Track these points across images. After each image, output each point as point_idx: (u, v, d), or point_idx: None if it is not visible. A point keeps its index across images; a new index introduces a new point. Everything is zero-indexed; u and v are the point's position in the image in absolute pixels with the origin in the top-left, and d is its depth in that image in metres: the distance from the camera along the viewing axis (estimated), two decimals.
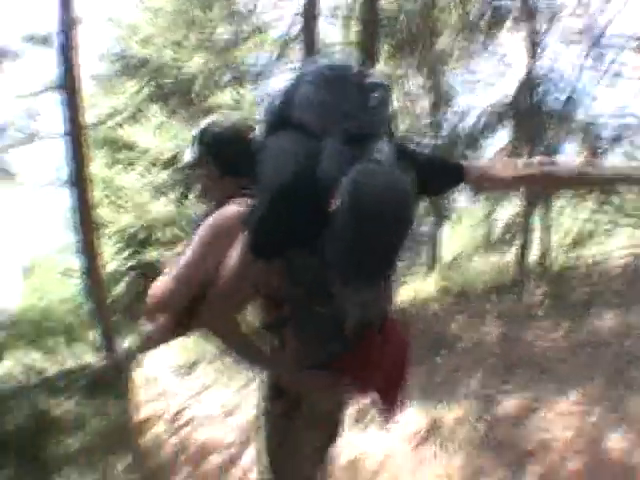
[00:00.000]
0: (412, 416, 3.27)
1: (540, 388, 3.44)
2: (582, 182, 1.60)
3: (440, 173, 1.55)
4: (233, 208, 1.49)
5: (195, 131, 1.72)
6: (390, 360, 1.57)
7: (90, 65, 10.08)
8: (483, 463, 2.60)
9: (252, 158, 1.47)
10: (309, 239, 1.27)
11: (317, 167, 1.29)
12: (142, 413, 4.65)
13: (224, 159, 1.63)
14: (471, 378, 3.81)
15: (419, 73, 7.26)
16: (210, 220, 1.48)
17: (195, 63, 7.32)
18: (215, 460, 3.57)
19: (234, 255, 1.33)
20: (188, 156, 1.73)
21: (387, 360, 1.55)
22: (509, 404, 3.24)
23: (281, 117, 1.43)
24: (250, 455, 3.44)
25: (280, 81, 1.57)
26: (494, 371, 3.97)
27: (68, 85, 5.40)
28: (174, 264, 1.45)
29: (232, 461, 3.51)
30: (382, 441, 3.14)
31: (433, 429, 2.98)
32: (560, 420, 2.88)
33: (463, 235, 14.17)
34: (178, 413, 4.68)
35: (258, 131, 1.59)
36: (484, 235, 9.33)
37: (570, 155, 7.53)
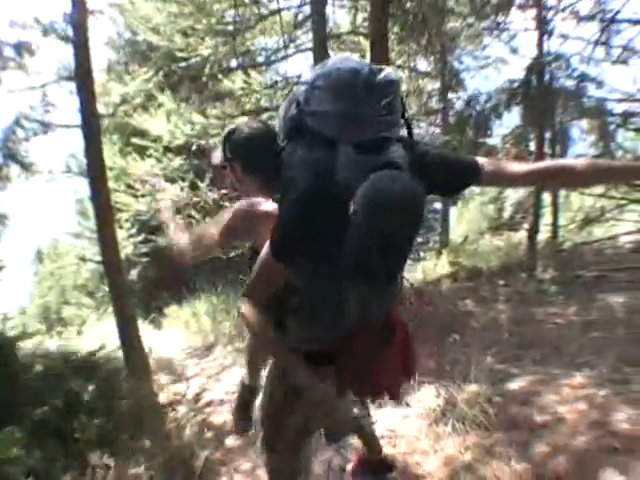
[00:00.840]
0: (427, 395, 3.39)
1: (551, 367, 3.54)
2: (595, 176, 1.63)
3: (455, 174, 1.57)
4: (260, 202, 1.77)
5: (225, 132, 1.85)
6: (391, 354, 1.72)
7: (99, 53, 10.10)
8: (495, 440, 2.70)
9: (275, 159, 1.58)
10: (328, 245, 1.36)
11: (334, 176, 1.37)
12: (164, 396, 4.77)
13: (249, 158, 1.77)
14: (483, 356, 3.91)
15: (428, 56, 7.24)
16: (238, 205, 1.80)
17: (205, 49, 7.36)
18: (235, 441, 3.65)
19: (265, 250, 1.47)
20: (218, 155, 1.86)
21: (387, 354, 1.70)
22: (520, 382, 3.34)
23: (297, 124, 1.49)
24: None
25: (296, 87, 1.64)
26: (506, 350, 4.06)
27: (81, 75, 5.46)
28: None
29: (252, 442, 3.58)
30: (398, 419, 3.26)
31: (447, 408, 3.08)
32: (571, 396, 2.97)
33: (474, 215, 14.22)
34: (198, 395, 4.82)
35: (279, 137, 1.67)
36: (494, 215, 9.41)
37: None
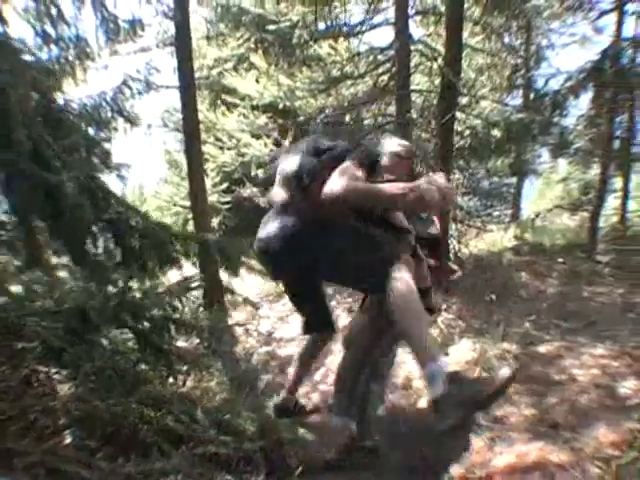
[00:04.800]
0: (465, 347, 3.86)
1: (581, 337, 3.88)
2: None
3: None
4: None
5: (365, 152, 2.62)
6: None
7: (195, 19, 10.66)
8: (514, 390, 3.11)
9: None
10: None
11: None
12: (237, 329, 5.44)
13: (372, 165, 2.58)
14: (522, 322, 4.31)
15: (509, 33, 7.28)
16: None
17: (294, 15, 7.76)
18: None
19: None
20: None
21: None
22: (548, 347, 3.72)
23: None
24: (319, 373, 4.10)
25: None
26: (544, 319, 4.42)
27: (180, 42, 6.14)
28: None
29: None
30: None
31: (479, 359, 3.53)
32: (589, 363, 3.33)
33: (546, 193, 14.06)
34: (268, 332, 5.46)
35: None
36: (564, 195, 9.43)
37: None
